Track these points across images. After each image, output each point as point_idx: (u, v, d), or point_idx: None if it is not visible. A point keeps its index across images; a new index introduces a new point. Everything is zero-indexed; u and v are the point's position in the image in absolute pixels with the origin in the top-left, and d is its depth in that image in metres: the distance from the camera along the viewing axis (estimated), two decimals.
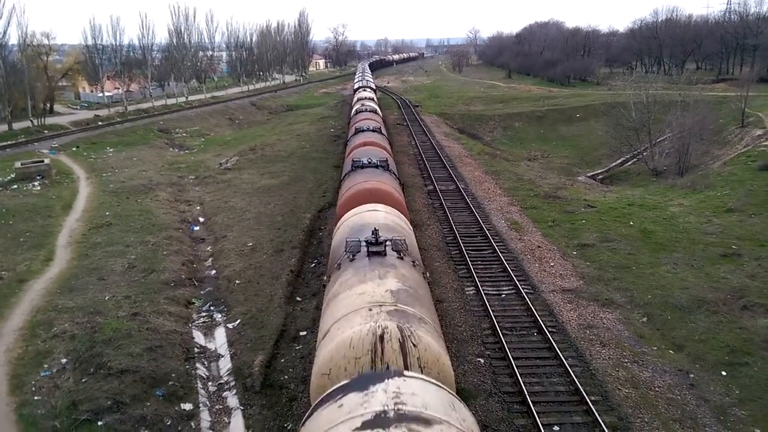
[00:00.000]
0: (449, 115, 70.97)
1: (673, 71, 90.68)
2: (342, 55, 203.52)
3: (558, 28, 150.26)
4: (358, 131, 29.97)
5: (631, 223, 27.93)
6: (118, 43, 76.12)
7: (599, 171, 50.47)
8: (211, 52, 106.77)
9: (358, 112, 40.41)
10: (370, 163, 20.91)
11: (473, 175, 38.66)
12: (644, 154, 48.26)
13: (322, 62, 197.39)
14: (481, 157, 46.02)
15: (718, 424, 13.53)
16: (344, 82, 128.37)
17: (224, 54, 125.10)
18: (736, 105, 53.83)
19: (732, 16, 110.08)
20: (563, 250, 24.62)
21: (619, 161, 52.23)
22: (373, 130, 30.14)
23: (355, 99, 53.83)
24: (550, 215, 29.54)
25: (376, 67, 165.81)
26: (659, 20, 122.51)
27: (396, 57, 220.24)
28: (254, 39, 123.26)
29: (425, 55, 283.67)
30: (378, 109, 45.56)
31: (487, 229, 26.79)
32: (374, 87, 71.86)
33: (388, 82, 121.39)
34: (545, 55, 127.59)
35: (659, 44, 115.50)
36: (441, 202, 31.54)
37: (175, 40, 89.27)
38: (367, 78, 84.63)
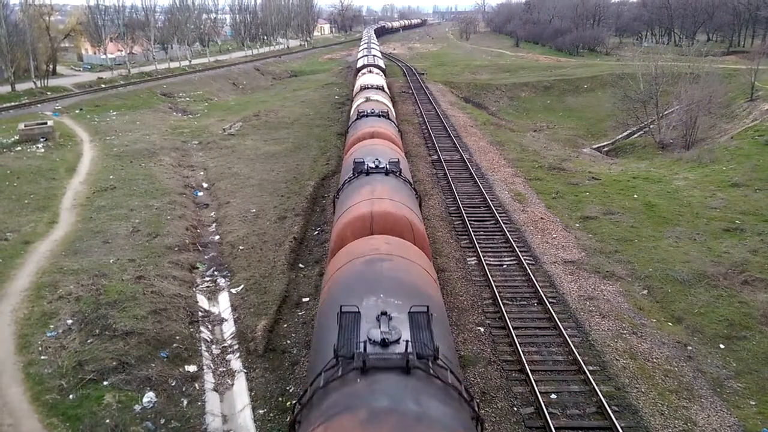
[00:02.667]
0: (455, 83, 70.16)
1: (683, 42, 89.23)
2: (347, 20, 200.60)
3: None
4: (360, 173, 14.76)
5: (635, 196, 27.87)
6: (120, 4, 75.22)
7: (605, 143, 50.12)
8: (214, 15, 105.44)
9: (360, 116, 23.25)
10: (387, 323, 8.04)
11: (478, 145, 38.44)
12: (651, 126, 47.84)
13: (327, 27, 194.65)
14: (486, 127, 45.69)
15: (714, 396, 13.72)
16: (349, 48, 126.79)
17: (228, 17, 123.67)
18: (745, 78, 53.10)
19: None
20: (566, 222, 24.63)
21: (626, 133, 51.82)
22: (389, 173, 14.68)
23: (357, 87, 35.98)
24: (554, 187, 29.47)
25: (380, 34, 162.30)
26: None
27: (396, 24, 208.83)
28: (258, 2, 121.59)
29: (428, 22, 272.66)
30: (391, 108, 28.95)
31: (491, 200, 26.77)
32: (384, 66, 53.98)
33: (394, 49, 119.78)
34: (554, 23, 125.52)
35: (670, 14, 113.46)
36: (445, 172, 31.43)
37: (178, 2, 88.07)
38: (374, 52, 66.57)
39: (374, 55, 61.63)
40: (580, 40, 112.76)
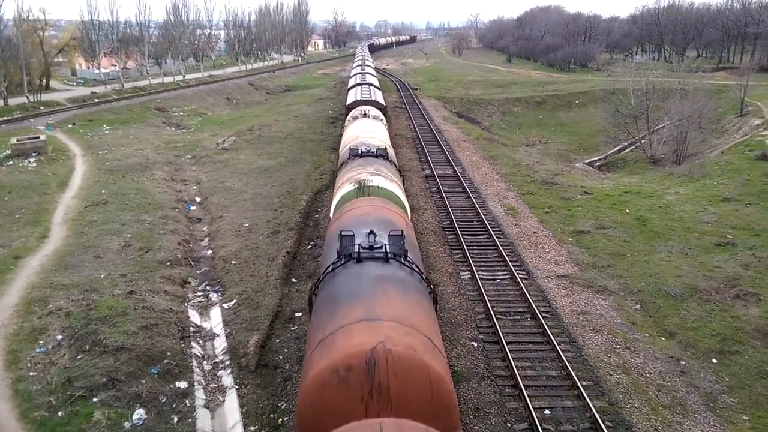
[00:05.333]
0: (448, 98, 70.63)
1: (673, 58, 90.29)
2: (341, 36, 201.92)
3: (559, 12, 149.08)
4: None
5: (627, 210, 27.99)
6: (114, 20, 75.48)
7: (597, 158, 50.43)
8: (209, 30, 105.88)
9: (346, 253, 10.67)
10: None
11: (471, 159, 38.61)
12: (642, 141, 48.21)
13: (321, 43, 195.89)
14: (479, 141, 45.92)
15: (707, 411, 13.69)
16: (343, 64, 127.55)
17: (222, 32, 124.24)
18: (735, 94, 53.67)
19: (734, 4, 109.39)
20: (559, 236, 24.69)
21: (617, 148, 52.17)
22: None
23: (344, 150, 21.96)
24: (546, 201, 29.58)
25: (371, 51, 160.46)
26: (661, 6, 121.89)
27: (383, 41, 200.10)
28: (253, 18, 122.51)
29: (419, 38, 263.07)
30: (406, 210, 16.82)
31: (484, 214, 26.83)
32: (384, 104, 38.71)
33: (388, 65, 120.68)
34: (546, 39, 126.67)
35: (660, 31, 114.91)
36: (438, 186, 31.52)
37: (172, 17, 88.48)
38: (369, 78, 51.53)
39: (370, 84, 46.40)
40: (571, 56, 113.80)
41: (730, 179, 32.55)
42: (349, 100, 38.66)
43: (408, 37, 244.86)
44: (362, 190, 15.95)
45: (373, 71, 64.12)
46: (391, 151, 21.90)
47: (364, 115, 29.27)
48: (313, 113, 57.83)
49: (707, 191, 31.07)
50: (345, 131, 27.88)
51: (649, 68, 60.75)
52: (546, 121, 65.35)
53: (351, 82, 51.31)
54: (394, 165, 20.21)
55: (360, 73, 56.62)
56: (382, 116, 31.23)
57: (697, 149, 43.52)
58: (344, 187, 16.70)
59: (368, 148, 20.17)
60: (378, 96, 40.30)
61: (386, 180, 16.94)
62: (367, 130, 24.70)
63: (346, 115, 33.87)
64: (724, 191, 30.43)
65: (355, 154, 19.72)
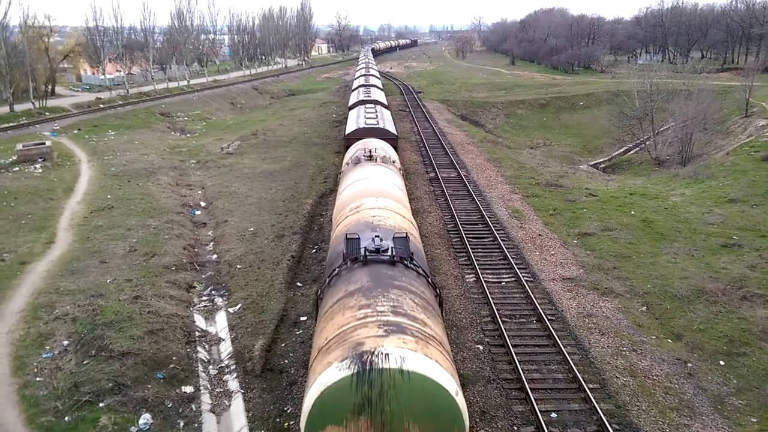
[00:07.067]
0: (452, 101, 70.62)
1: (677, 60, 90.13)
2: (345, 40, 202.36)
3: (562, 15, 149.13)
4: None
5: (633, 212, 27.90)
6: (119, 26, 75.74)
7: (601, 160, 50.34)
8: (213, 36, 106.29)
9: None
10: None
11: (475, 162, 38.57)
12: (647, 143, 48.12)
13: (324, 47, 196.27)
14: (483, 144, 45.88)
15: (715, 413, 13.60)
16: (346, 68, 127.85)
17: (226, 38, 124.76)
18: (740, 95, 53.50)
19: (738, 5, 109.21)
20: (564, 238, 24.62)
21: (622, 150, 52.09)
22: None
23: (338, 228, 14.51)
24: (551, 203, 29.51)
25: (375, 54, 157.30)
26: (665, 8, 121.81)
27: (383, 45, 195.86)
28: (256, 23, 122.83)
29: (419, 42, 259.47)
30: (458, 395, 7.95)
31: (488, 217, 26.78)
32: (396, 132, 29.06)
33: (391, 68, 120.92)
34: (549, 42, 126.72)
35: (664, 32, 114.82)
36: (443, 189, 31.50)
37: (177, 23, 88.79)
38: (375, 93, 43.18)
39: (376, 101, 37.93)
40: (575, 58, 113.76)
41: (735, 180, 32.42)
42: (350, 127, 29.21)
43: (409, 41, 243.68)
44: (369, 388, 7.73)
45: (379, 83, 54.40)
46: (415, 241, 13.45)
47: (369, 157, 20.55)
48: (317, 117, 57.94)
49: (713, 192, 30.94)
50: (341, 188, 18.89)
51: (654, 70, 60.62)
52: (550, 124, 65.27)
53: (352, 98, 41.46)
54: (425, 277, 11.46)
55: (364, 86, 47.96)
56: (395, 156, 22.71)
57: (702, 150, 43.40)
58: (330, 363, 8.15)
59: (377, 240, 11.73)
60: (387, 120, 30.61)
61: (417, 344, 8.34)
62: (373, 190, 16.36)
63: (345, 152, 24.99)
64: (729, 192, 30.31)
65: (355, 257, 11.25)
